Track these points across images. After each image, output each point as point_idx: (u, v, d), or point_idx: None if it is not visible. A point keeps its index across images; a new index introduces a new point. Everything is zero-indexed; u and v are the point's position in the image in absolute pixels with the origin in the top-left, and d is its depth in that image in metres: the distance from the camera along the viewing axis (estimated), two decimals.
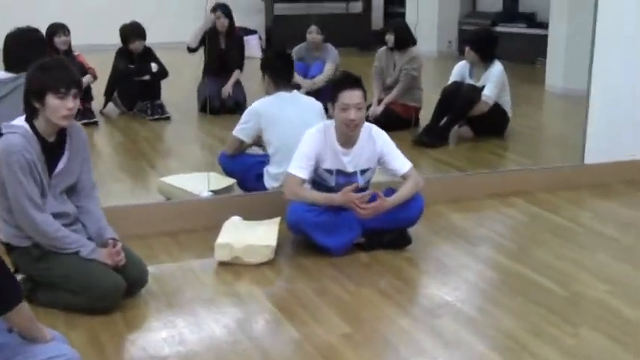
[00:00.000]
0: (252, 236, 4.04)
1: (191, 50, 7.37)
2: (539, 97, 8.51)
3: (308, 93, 6.67)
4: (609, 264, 4.06)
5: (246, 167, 4.93)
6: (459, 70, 6.67)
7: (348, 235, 4.13)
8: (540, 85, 8.78)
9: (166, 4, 9.45)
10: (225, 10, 7.38)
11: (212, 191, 4.77)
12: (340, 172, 4.21)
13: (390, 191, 4.26)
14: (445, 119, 6.43)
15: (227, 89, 7.37)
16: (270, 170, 4.78)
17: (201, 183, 4.86)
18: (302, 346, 3.21)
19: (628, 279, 3.90)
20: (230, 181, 4.88)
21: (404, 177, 4.25)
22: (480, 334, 3.31)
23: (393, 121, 6.54)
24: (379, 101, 6.88)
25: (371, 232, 4.17)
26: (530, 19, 10.61)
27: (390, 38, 6.91)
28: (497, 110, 6.50)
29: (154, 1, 9.18)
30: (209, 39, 7.33)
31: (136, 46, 7.22)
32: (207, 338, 3.31)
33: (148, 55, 7.32)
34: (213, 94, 7.25)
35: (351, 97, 4.04)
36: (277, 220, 4.27)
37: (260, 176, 4.84)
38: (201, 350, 3.20)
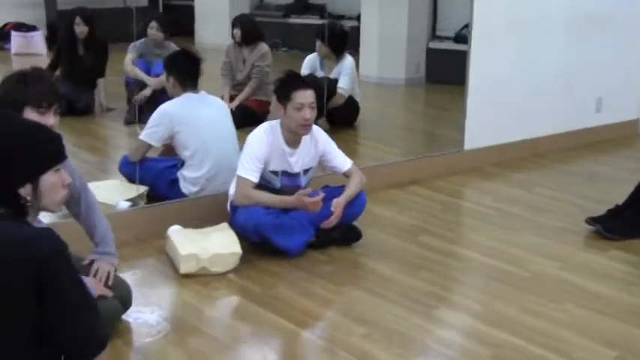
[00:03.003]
0: (214, 245, 3.88)
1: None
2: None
3: (155, 91, 6.48)
4: (542, 243, 4.38)
5: (156, 173, 4.70)
6: (310, 63, 6.77)
7: (304, 236, 4.11)
8: None
9: None
10: (85, 16, 6.87)
11: (128, 200, 4.50)
12: (285, 173, 4.17)
13: (330, 189, 4.28)
14: None
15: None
16: (186, 175, 4.60)
17: (112, 192, 4.58)
18: (335, 353, 3.16)
19: (568, 255, 4.24)
20: (143, 188, 4.62)
21: (346, 174, 4.29)
22: (481, 318, 3.46)
23: (248, 117, 6.46)
24: (231, 98, 6.78)
25: (320, 230, 4.17)
26: (322, 11, 10.89)
27: (237, 33, 6.85)
28: (351, 101, 6.68)
29: None
30: (66, 45, 6.85)
31: None
32: (228, 353, 3.16)
33: None
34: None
35: (305, 96, 4.01)
36: (225, 225, 4.13)
37: (173, 182, 4.64)
38: None
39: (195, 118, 4.55)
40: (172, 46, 6.97)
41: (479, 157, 5.67)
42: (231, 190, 4.23)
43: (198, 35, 10.48)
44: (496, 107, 5.72)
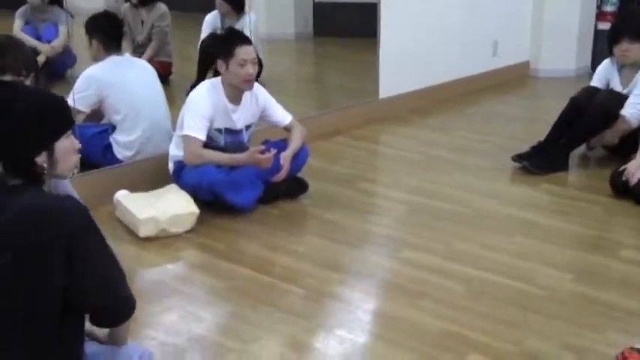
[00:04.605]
0: (170, 206, 3.86)
1: None
2: None
3: (48, 58, 6.28)
4: (474, 182, 4.59)
5: (87, 140, 4.53)
6: (211, 22, 6.69)
7: (254, 191, 4.14)
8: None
9: None
10: None
11: None
12: (228, 131, 4.18)
13: (271, 143, 4.31)
14: (211, 72, 6.44)
15: None
16: (119, 139, 4.52)
17: None
18: (318, 300, 3.25)
19: (501, 191, 4.48)
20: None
21: (287, 128, 4.34)
22: (445, 256, 3.62)
23: None
24: None
25: (268, 184, 4.21)
26: None
27: None
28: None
29: None
30: None
31: None
32: (215, 309, 3.19)
33: None
34: None
35: (247, 52, 4.03)
36: (174, 186, 4.11)
37: (106, 147, 4.55)
38: (249, 327, 3.08)
39: (124, 81, 4.47)
40: (58, 10, 6.73)
41: (394, 105, 5.84)
42: (173, 151, 4.20)
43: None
44: (405, 57, 5.90)
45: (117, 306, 2.20)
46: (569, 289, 3.33)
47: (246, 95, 4.18)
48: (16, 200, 2.09)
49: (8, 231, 2.04)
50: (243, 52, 4.00)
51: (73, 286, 2.07)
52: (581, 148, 4.90)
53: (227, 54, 4.01)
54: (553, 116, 4.89)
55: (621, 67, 4.79)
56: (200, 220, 3.92)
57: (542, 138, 4.80)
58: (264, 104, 4.27)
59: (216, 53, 4.10)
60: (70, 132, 2.28)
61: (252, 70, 4.02)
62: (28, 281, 2.03)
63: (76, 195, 3.15)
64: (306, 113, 5.64)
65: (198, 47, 6.56)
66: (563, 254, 3.66)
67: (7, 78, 2.81)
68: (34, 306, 2.06)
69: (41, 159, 2.17)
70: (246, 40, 4.08)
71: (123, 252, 3.70)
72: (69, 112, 2.29)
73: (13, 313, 2.04)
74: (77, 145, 2.32)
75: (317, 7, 8.96)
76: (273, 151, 4.03)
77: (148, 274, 3.51)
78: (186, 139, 4.02)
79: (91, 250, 2.11)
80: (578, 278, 3.42)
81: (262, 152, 3.99)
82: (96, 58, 4.59)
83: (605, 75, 4.86)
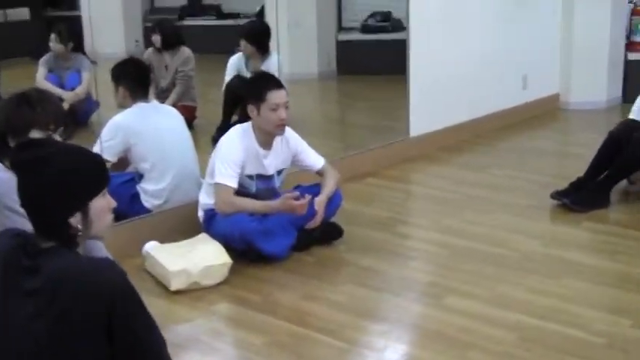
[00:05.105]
0: (202, 257, 3.73)
1: None
2: None
3: (72, 105, 6.23)
4: (515, 221, 4.44)
5: (113, 190, 4.41)
6: (235, 64, 6.61)
7: (288, 239, 4.01)
8: None
9: None
10: None
11: None
12: (260, 177, 4.07)
13: (304, 189, 4.19)
14: (237, 116, 6.36)
15: None
16: (147, 188, 4.40)
17: None
18: (361, 354, 3.10)
19: (543, 230, 4.34)
20: None
21: (319, 172, 4.22)
22: (491, 303, 3.45)
23: None
24: None
25: (302, 230, 4.08)
26: (218, 11, 10.69)
27: (156, 39, 6.63)
28: None
29: None
30: None
31: None
32: None
33: None
34: None
35: (279, 96, 3.92)
36: (205, 236, 3.98)
37: (134, 197, 4.44)
38: None
39: (151, 128, 4.36)
40: (80, 57, 6.69)
41: (425, 143, 5.71)
42: (203, 199, 4.09)
43: (89, 44, 10.06)
44: (435, 93, 5.79)
45: None
46: (628, 335, 3.15)
47: (277, 140, 4.07)
48: (49, 264, 1.98)
49: (42, 297, 1.92)
50: (275, 96, 3.89)
51: (114, 354, 1.95)
52: (622, 184, 4.74)
53: (258, 98, 3.91)
54: (586, 150, 4.76)
55: None
56: (233, 269, 3.78)
57: (576, 173, 4.65)
58: (295, 148, 4.15)
59: (247, 97, 3.99)
60: (105, 190, 2.17)
61: (284, 114, 3.91)
62: (65, 350, 1.92)
63: (110, 256, 3.03)
64: (334, 155, 5.51)
65: (223, 90, 6.51)
66: (618, 298, 3.50)
67: (36, 133, 2.71)
68: None
69: (75, 220, 2.07)
70: (278, 84, 3.97)
71: (153, 306, 3.52)
72: (104, 169, 2.19)
73: None
74: (113, 203, 2.21)
75: (340, 46, 8.88)
76: (308, 197, 3.90)
77: (179, 330, 3.36)
78: (217, 187, 3.91)
79: (132, 318, 2.00)
80: (638, 324, 3.24)
81: (296, 198, 3.86)
82: (122, 105, 4.49)
83: None
